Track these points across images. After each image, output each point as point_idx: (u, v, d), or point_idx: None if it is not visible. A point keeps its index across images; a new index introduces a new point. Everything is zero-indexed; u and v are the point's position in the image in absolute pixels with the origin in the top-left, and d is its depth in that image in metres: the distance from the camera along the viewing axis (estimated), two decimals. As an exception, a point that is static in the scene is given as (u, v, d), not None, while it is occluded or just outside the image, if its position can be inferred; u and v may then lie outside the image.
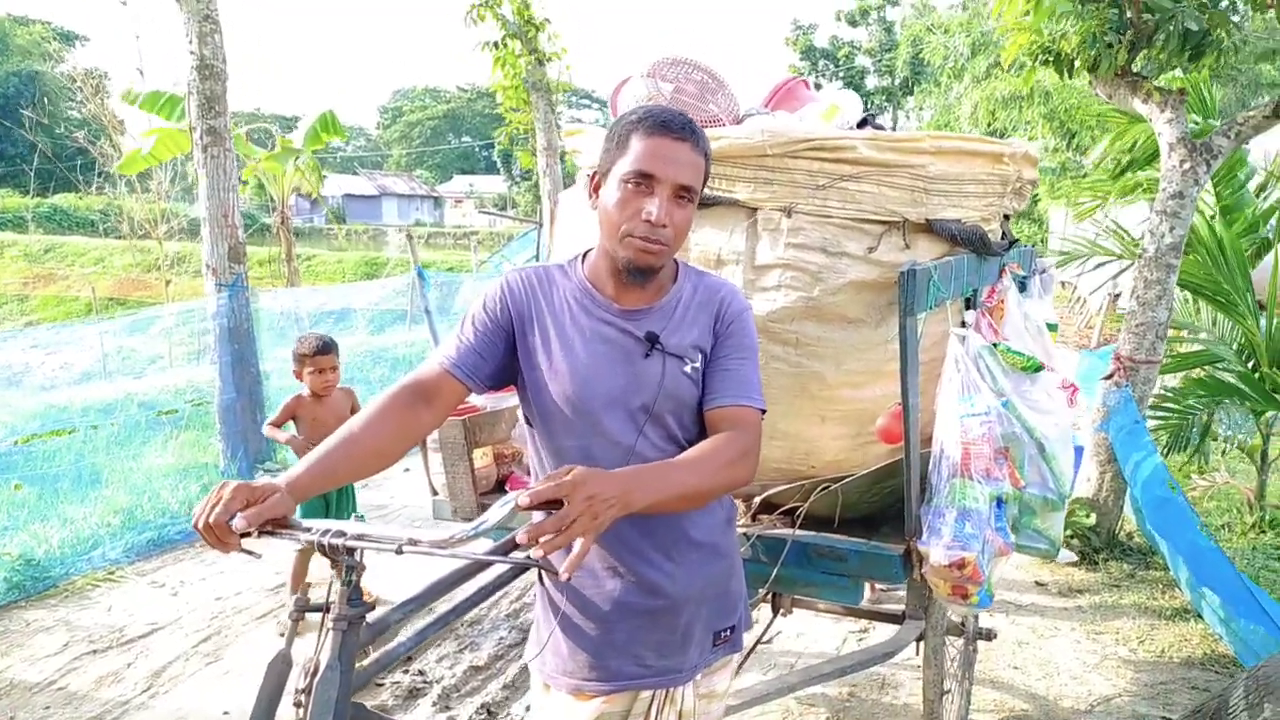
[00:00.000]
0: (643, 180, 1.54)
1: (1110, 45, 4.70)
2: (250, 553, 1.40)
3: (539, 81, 10.20)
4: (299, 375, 4.08)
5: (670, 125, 1.56)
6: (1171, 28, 4.54)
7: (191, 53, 5.52)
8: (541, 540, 1.21)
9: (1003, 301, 2.51)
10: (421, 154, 63.92)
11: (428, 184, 57.94)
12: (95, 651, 3.90)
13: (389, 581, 4.29)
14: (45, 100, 32.74)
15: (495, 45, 10.08)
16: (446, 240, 38.81)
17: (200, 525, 1.32)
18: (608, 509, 1.26)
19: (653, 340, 1.61)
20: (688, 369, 1.62)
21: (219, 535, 1.32)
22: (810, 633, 4.01)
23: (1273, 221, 5.53)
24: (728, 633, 1.77)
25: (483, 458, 2.51)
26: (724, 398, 1.61)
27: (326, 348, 4.08)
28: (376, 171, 57.00)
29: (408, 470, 6.36)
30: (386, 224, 44.45)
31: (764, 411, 1.64)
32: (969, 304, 2.59)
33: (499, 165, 56.31)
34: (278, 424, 4.11)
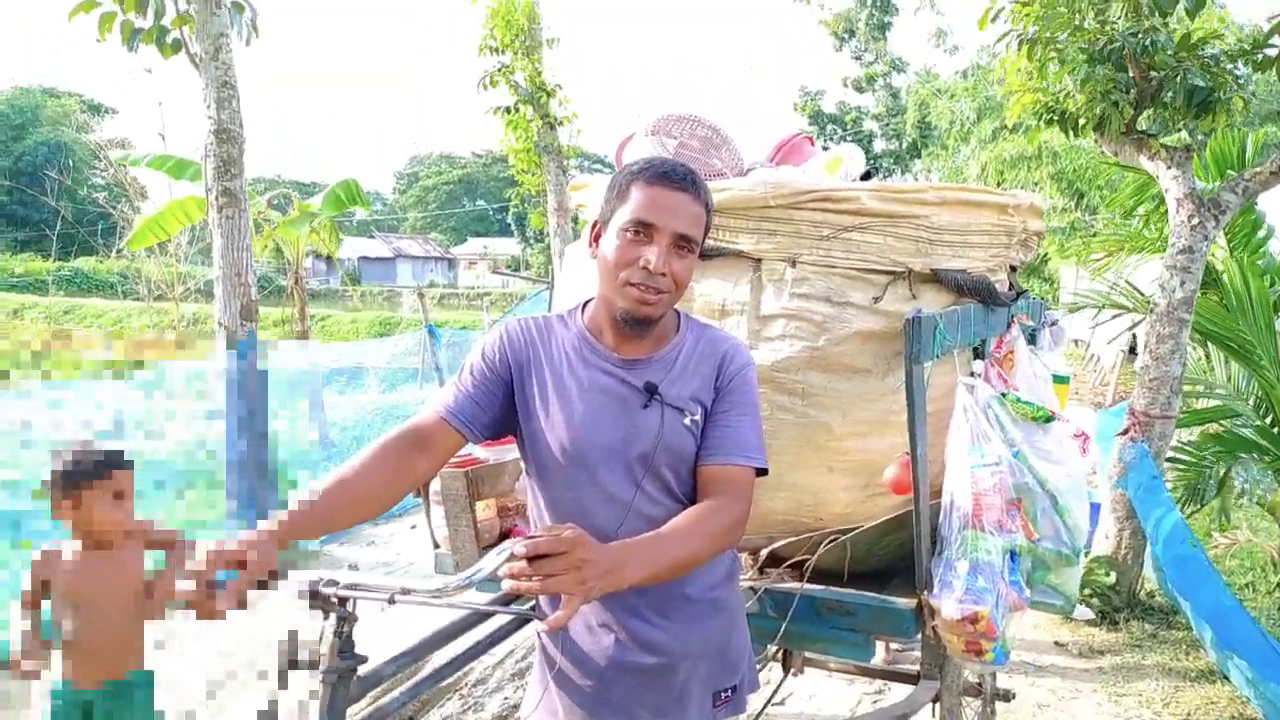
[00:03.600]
0: (642, 229, 1.54)
1: (1116, 104, 4.73)
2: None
3: (550, 145, 10.41)
4: (60, 511, 2.46)
5: (671, 175, 1.57)
6: (1178, 84, 4.58)
7: (210, 118, 5.65)
8: (517, 577, 1.17)
9: (1012, 352, 2.48)
10: (437, 217, 64.85)
11: (442, 246, 58.66)
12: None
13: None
14: (71, 168, 33.48)
15: (508, 110, 10.31)
16: (460, 300, 39.10)
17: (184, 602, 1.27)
18: (599, 579, 1.22)
19: (651, 390, 1.59)
20: (687, 421, 1.59)
21: (207, 609, 1.27)
22: (823, 694, 3.90)
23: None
24: (728, 693, 1.71)
25: (485, 510, 2.47)
26: (719, 455, 1.58)
27: (115, 462, 2.47)
28: (392, 235, 57.82)
29: (414, 527, 6.31)
30: (401, 285, 44.90)
31: (764, 471, 1.61)
32: (977, 354, 2.57)
33: (513, 227, 56.99)
34: (33, 604, 2.52)
